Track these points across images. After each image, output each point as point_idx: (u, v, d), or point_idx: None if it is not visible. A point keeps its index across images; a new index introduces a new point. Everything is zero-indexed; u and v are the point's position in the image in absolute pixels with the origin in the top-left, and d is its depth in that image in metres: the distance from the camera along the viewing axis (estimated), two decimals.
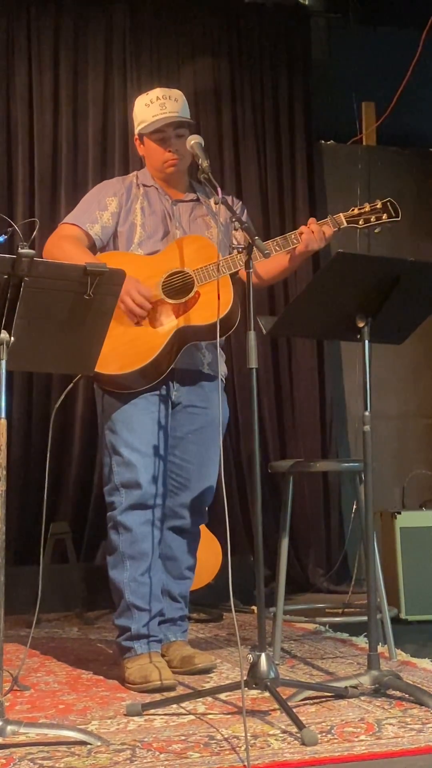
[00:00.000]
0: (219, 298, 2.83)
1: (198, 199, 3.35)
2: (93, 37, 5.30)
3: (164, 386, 3.18)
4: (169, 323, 3.10)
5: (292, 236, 3.12)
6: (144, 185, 3.32)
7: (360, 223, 3.14)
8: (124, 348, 3.08)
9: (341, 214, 3.16)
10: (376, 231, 3.15)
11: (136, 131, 3.30)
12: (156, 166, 3.30)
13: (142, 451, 3.12)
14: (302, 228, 3.13)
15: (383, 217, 3.13)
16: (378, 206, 3.14)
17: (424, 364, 5.80)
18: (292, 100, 5.65)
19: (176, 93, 3.28)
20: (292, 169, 5.59)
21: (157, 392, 3.17)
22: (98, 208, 3.27)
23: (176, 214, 3.29)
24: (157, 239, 3.24)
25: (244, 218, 3.35)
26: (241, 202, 3.45)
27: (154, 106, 3.22)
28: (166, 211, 3.29)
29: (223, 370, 3.32)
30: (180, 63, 5.43)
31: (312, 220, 3.16)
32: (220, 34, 5.54)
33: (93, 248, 3.26)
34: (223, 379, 3.32)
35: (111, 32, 5.34)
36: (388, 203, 3.14)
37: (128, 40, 5.35)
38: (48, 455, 3.35)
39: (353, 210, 3.16)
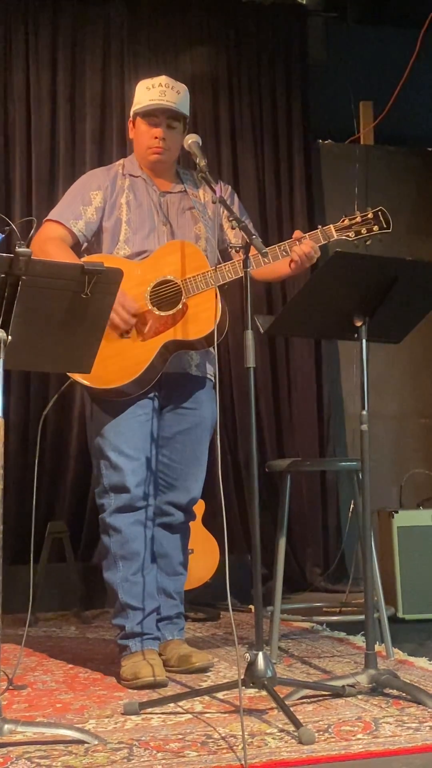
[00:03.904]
0: (216, 312, 2.82)
1: (186, 191, 3.31)
2: (91, 36, 5.31)
3: (152, 390, 3.16)
4: (157, 337, 3.07)
5: (282, 248, 3.05)
6: (131, 175, 3.27)
7: (351, 236, 3.06)
8: (112, 361, 3.04)
9: (331, 226, 3.07)
10: (367, 243, 3.08)
11: (131, 111, 3.27)
12: (140, 152, 3.27)
13: (130, 454, 3.11)
14: (294, 246, 3.04)
15: (374, 229, 3.05)
16: (369, 216, 3.06)
17: (422, 363, 5.81)
18: (289, 100, 5.65)
19: (180, 86, 3.23)
20: (289, 169, 5.59)
21: (145, 396, 3.15)
22: (82, 203, 3.22)
23: (164, 206, 3.25)
24: (144, 235, 3.19)
25: (236, 204, 3.32)
26: (230, 188, 3.38)
27: (153, 91, 3.18)
28: (153, 204, 3.24)
29: (211, 369, 3.28)
30: (177, 62, 5.43)
31: (298, 232, 3.08)
32: (217, 33, 5.55)
33: (77, 246, 3.22)
34: (212, 378, 3.28)
35: (108, 31, 5.34)
36: (380, 213, 3.06)
37: (126, 40, 5.36)
38: (37, 455, 3.35)
39: (344, 221, 3.08)
